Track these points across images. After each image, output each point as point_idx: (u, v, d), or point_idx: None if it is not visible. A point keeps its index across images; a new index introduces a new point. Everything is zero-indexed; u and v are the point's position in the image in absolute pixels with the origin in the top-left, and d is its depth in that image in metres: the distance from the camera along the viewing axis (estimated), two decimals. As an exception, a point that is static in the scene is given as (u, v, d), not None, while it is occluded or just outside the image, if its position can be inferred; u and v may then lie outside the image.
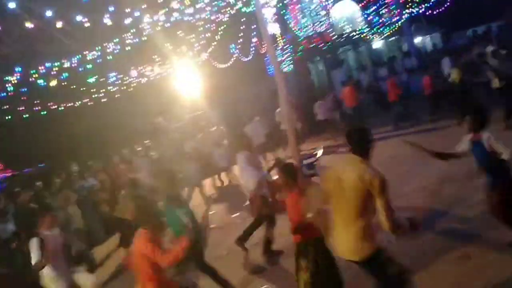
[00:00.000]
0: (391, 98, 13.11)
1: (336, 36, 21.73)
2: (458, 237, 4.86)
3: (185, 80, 16.80)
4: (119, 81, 16.08)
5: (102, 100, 16.85)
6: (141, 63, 16.37)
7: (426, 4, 21.60)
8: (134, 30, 12.78)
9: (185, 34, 15.20)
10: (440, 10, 22.29)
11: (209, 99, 17.71)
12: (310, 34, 21.83)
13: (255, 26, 17.03)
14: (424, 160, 5.11)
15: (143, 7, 11.11)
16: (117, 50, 12.63)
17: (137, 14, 10.60)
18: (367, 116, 14.42)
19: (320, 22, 21.63)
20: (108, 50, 13.02)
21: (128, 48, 12.76)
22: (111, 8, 9.73)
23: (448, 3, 21.40)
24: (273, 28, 20.04)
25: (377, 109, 16.24)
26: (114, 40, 12.98)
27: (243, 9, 14.79)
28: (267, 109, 14.39)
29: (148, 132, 17.97)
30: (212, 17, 15.62)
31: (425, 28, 27.12)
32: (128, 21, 10.69)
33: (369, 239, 3.25)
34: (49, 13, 8.38)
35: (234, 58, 21.07)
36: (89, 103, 16.59)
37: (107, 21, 9.65)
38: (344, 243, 3.36)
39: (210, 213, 9.81)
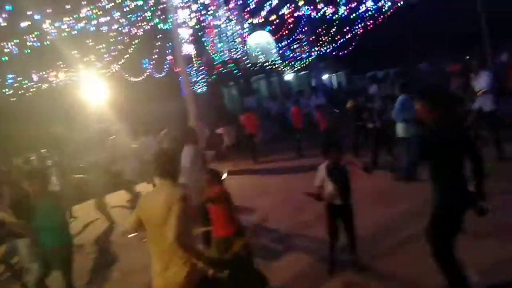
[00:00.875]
0: (297, 126, 13.46)
1: (250, 64, 22.53)
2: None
3: (92, 90, 16.19)
4: (17, 84, 14.99)
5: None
6: (43, 67, 15.46)
7: (333, 45, 23.38)
8: (38, 32, 12.14)
9: (95, 43, 14.72)
10: (346, 52, 24.26)
11: (117, 111, 17.20)
12: (225, 59, 22.42)
13: (170, 44, 17.10)
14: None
15: (47, 11, 10.64)
16: (16, 52, 11.84)
17: (37, 17, 10.11)
18: (272, 141, 15.01)
19: (236, 48, 22.31)
20: (5, 50, 12.17)
21: (27, 50, 12.03)
22: (8, 7, 9.19)
23: (351, 47, 23.39)
24: (189, 48, 20.28)
25: (283, 136, 16.87)
26: (14, 41, 12.20)
27: (160, 26, 14.75)
28: (175, 127, 14.41)
29: (46, 141, 16.85)
30: (125, 30, 15.37)
31: (333, 66, 29.26)
32: (25, 23, 10.14)
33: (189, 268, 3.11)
34: None
35: (147, 73, 20.85)
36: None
37: (1, 21, 9.08)
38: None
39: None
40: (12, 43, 12.28)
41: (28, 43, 11.68)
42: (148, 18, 15.34)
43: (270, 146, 14.85)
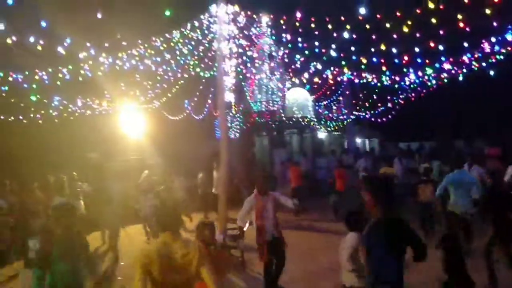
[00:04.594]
0: (339, 187, 13.34)
1: (285, 117, 22.85)
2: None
3: (131, 122, 16.73)
4: (62, 107, 15.69)
5: (39, 121, 16.25)
6: (89, 94, 16.18)
7: (372, 111, 23.50)
8: (91, 62, 12.80)
9: (141, 79, 15.36)
10: (383, 119, 24.30)
11: (152, 145, 17.66)
12: (262, 109, 22.85)
13: (212, 89, 17.64)
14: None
15: (105, 45, 11.30)
16: (68, 77, 12.49)
17: (93, 52, 10.73)
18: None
19: (274, 101, 22.75)
20: (59, 75, 12.84)
21: (80, 78, 12.67)
22: (68, 40, 9.81)
23: (390, 116, 23.44)
24: (229, 96, 20.79)
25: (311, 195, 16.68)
26: (68, 67, 12.88)
27: (203, 74, 15.34)
28: (206, 169, 14.69)
29: (81, 164, 17.31)
30: (173, 71, 16.00)
31: (367, 131, 29.25)
32: (83, 54, 10.75)
33: None
34: (0, 26, 8.29)
35: (186, 114, 21.41)
36: (24, 121, 15.94)
37: (61, 50, 9.67)
38: None
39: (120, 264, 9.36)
40: (67, 70, 12.96)
41: (82, 72, 12.30)
42: (194, 64, 15.93)
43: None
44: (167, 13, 9.28)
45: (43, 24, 9.66)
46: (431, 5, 9.50)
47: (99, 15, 9.66)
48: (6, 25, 8.48)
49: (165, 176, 14.04)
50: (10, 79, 11.98)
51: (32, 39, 9.34)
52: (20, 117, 15.89)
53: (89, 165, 16.72)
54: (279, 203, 6.90)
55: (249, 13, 13.62)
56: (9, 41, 8.98)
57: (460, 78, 14.43)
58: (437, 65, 13.69)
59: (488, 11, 10.09)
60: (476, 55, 13.03)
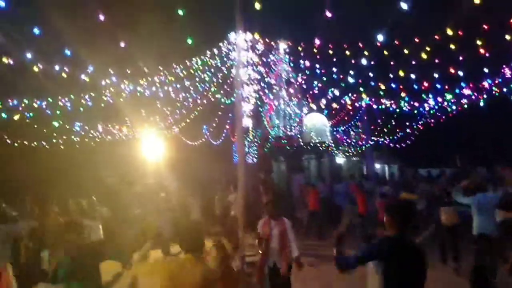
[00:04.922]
0: (362, 211, 13.04)
1: (303, 143, 22.79)
2: None
3: (150, 147, 16.93)
4: (83, 133, 16.04)
5: (61, 146, 16.61)
6: (110, 120, 16.53)
7: (391, 137, 23.28)
8: (112, 89, 13.14)
9: (161, 105, 15.66)
10: (402, 145, 24.02)
11: (171, 170, 17.76)
12: (280, 134, 22.88)
13: (231, 115, 17.83)
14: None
15: (127, 71, 11.60)
16: (90, 104, 12.81)
17: (114, 79, 11.02)
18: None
19: (291, 126, 22.79)
20: (82, 102, 13.20)
21: (102, 104, 12.98)
22: (91, 68, 10.12)
23: (408, 141, 23.18)
24: (247, 121, 20.97)
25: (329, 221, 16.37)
26: (90, 94, 13.23)
27: (223, 100, 15.54)
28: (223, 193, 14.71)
29: (100, 189, 17.50)
30: (192, 97, 16.27)
31: (386, 156, 28.89)
32: (105, 82, 11.06)
33: None
34: (29, 55, 8.61)
35: (204, 139, 21.60)
36: (46, 146, 16.32)
37: (85, 77, 9.97)
38: None
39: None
40: (89, 96, 13.32)
41: (104, 98, 12.61)
42: (213, 91, 16.16)
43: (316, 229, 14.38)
44: (189, 41, 9.49)
45: (68, 52, 9.99)
46: (449, 32, 9.50)
47: (122, 44, 9.95)
48: (33, 54, 8.80)
49: (181, 198, 14.06)
50: (35, 105, 12.36)
51: (57, 67, 9.65)
52: (43, 143, 16.26)
53: (109, 190, 16.88)
54: (286, 235, 6.60)
55: (267, 40, 13.86)
56: (35, 69, 9.30)
57: (481, 103, 14.24)
58: (457, 90, 13.57)
59: (508, 37, 10.04)
60: (496, 81, 12.89)
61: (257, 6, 8.39)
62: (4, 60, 8.88)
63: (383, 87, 12.50)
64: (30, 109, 12.77)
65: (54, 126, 15.56)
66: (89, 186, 17.77)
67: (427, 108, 15.84)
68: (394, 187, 16.57)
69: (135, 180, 18.19)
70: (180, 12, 8.41)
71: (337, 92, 13.99)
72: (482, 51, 10.40)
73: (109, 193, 16.22)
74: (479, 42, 10.59)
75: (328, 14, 7.88)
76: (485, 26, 10.58)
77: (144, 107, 15.48)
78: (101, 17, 8.20)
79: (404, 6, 7.35)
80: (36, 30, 8.42)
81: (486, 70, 12.54)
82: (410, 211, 3.92)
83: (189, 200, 14.22)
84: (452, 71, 11.35)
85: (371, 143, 23.41)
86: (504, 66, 12.70)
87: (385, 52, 11.32)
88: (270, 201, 6.77)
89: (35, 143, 15.91)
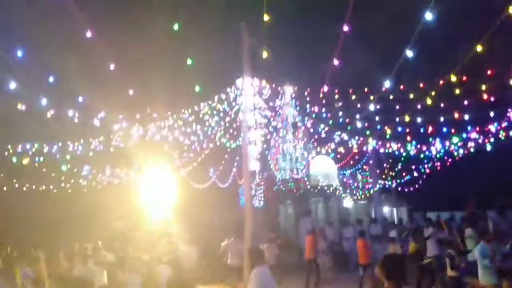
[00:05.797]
0: (362, 261, 12.41)
1: (310, 186, 22.68)
2: None
3: (157, 191, 16.91)
4: (91, 176, 16.13)
5: (68, 191, 16.67)
6: (117, 164, 16.65)
7: (398, 181, 23.13)
8: (121, 134, 13.31)
9: (169, 148, 15.79)
10: (410, 189, 23.80)
11: (177, 213, 17.63)
12: (286, 177, 22.82)
13: (237, 158, 17.89)
14: None
15: (136, 116, 11.81)
16: (100, 148, 12.96)
17: (125, 124, 11.22)
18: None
19: (298, 169, 22.77)
20: (91, 147, 13.35)
21: (111, 149, 13.14)
22: (101, 114, 10.33)
23: (416, 186, 22.98)
24: (254, 165, 20.94)
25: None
26: (99, 139, 13.41)
27: (228, 144, 15.68)
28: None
29: (104, 233, 17.36)
30: (200, 141, 16.41)
31: (394, 200, 28.48)
32: (116, 127, 11.25)
33: None
34: (44, 101, 8.84)
35: (211, 182, 21.57)
36: (54, 190, 16.39)
37: (97, 122, 10.17)
38: None
39: None
40: (98, 141, 13.50)
41: (114, 143, 12.77)
42: (220, 135, 16.29)
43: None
44: (197, 89, 9.73)
45: (80, 99, 10.25)
46: (453, 78, 9.65)
47: (130, 92, 10.19)
48: (47, 100, 9.04)
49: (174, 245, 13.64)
50: (45, 150, 12.53)
51: (70, 113, 9.87)
52: (51, 187, 16.34)
53: (114, 234, 16.73)
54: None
55: (273, 85, 14.14)
56: (48, 115, 9.52)
57: (488, 147, 14.20)
58: (464, 135, 13.60)
59: (512, 82, 10.17)
60: (503, 125, 12.94)
61: (265, 54, 8.64)
62: (19, 106, 9.11)
63: (389, 131, 12.58)
64: (40, 154, 12.93)
65: (62, 170, 15.67)
66: (95, 229, 17.68)
67: (434, 152, 15.81)
68: (401, 232, 16.20)
69: (138, 224, 18.09)
70: (189, 61, 8.67)
71: (344, 136, 14.08)
72: (485, 96, 10.54)
73: (115, 237, 16.08)
74: (483, 87, 10.75)
75: (335, 62, 8.08)
76: (489, 72, 10.78)
77: (152, 151, 15.61)
78: (112, 66, 8.46)
79: (409, 54, 7.54)
80: (51, 79, 8.71)
81: (491, 114, 12.62)
82: (394, 264, 4.06)
83: (183, 249, 13.71)
84: (457, 115, 11.46)
85: (379, 186, 23.24)
86: (509, 109, 12.78)
87: (391, 97, 11.49)
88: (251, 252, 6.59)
89: (43, 186, 15.99)
